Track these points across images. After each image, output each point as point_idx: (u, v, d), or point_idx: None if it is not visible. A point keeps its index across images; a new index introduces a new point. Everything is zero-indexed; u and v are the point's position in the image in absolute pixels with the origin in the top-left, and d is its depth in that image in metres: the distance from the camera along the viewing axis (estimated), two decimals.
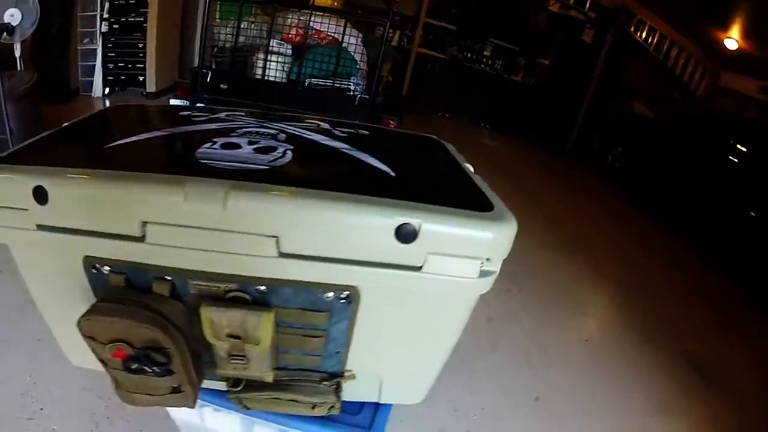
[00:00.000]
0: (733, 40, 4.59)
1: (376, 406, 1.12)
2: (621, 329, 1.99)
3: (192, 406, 0.91)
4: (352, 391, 1.00)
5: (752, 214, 3.42)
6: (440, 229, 0.71)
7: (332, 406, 0.98)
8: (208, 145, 0.93)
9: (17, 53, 3.17)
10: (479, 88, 8.33)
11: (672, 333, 2.09)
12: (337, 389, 0.96)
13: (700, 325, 2.26)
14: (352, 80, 3.31)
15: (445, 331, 0.93)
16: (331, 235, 0.77)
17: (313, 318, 0.86)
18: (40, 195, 0.78)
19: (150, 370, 0.80)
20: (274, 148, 0.95)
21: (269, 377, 0.90)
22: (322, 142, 1.06)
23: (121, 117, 1.29)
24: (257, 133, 1.04)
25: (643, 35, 6.30)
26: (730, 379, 1.95)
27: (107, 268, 0.82)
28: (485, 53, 8.49)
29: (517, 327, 1.82)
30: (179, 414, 1.35)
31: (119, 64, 5.36)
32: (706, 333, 2.21)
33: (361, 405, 1.12)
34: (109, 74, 5.35)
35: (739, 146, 3.99)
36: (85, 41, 5.27)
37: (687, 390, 1.81)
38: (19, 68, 3.31)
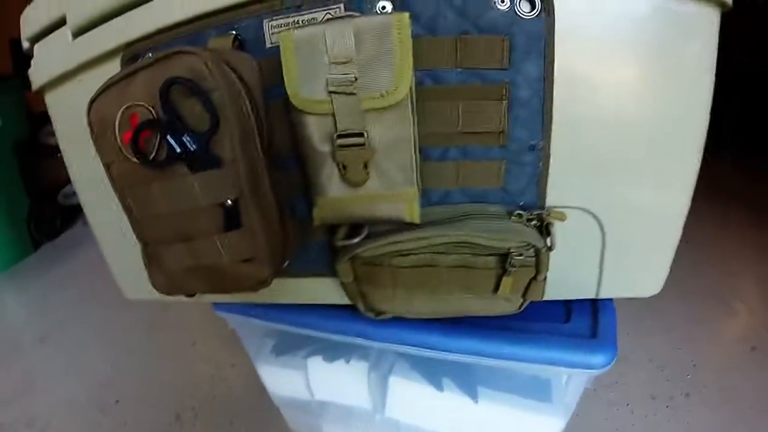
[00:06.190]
0: None
1: (593, 310, 0.63)
2: None
3: (267, 277, 0.48)
4: (557, 283, 0.55)
5: None
6: None
7: (534, 277, 0.51)
8: None
9: None
10: None
11: None
12: (541, 227, 0.51)
13: None
14: None
15: (691, 92, 0.49)
16: None
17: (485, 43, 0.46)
18: None
19: (178, 147, 0.43)
20: None
21: (414, 203, 0.47)
22: None
23: None
24: None
25: None
26: None
27: None
28: None
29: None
30: (280, 386, 0.87)
31: None
32: None
33: (567, 312, 0.63)
34: None
35: None
36: None
37: None
38: None
